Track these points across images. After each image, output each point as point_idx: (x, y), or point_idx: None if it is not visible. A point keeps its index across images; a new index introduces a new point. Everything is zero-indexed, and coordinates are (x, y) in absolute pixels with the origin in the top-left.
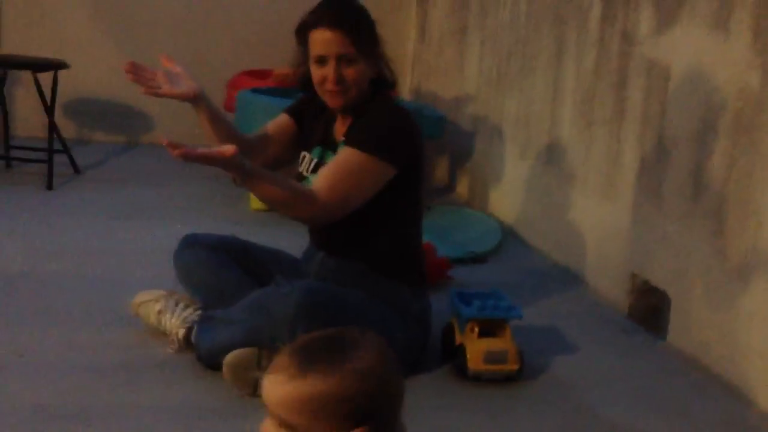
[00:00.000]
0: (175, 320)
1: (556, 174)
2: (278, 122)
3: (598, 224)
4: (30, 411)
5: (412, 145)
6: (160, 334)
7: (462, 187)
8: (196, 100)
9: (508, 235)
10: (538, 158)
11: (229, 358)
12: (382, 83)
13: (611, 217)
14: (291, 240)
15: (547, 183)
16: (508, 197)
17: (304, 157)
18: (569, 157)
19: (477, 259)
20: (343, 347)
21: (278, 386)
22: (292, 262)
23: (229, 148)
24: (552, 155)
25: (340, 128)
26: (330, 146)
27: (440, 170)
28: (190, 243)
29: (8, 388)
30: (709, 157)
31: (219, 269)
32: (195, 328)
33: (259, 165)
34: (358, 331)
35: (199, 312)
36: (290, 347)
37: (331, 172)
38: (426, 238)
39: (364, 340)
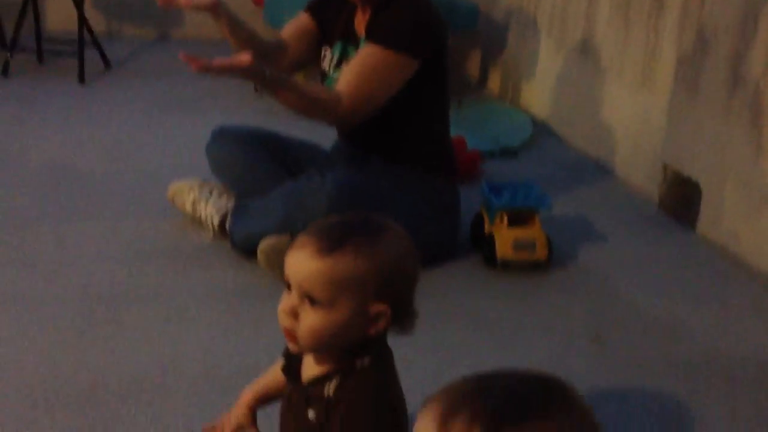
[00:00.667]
0: (210, 208)
1: (591, 67)
2: (298, 22)
3: (632, 117)
4: (79, 293)
5: (435, 37)
6: (195, 222)
7: (494, 82)
8: (215, 10)
9: (540, 130)
10: (573, 51)
11: (263, 245)
12: None
13: (646, 109)
14: (323, 133)
15: (581, 76)
16: (541, 91)
17: (326, 53)
18: (605, 49)
19: (508, 153)
20: (369, 229)
21: (305, 261)
22: (323, 154)
23: (245, 57)
24: (587, 48)
25: (360, 21)
26: (352, 40)
27: (472, 64)
28: (221, 135)
29: (56, 273)
30: (749, 48)
31: (250, 161)
32: (229, 216)
33: (284, 68)
34: (382, 218)
35: (233, 200)
36: (316, 226)
37: (353, 72)
38: (457, 132)
39: (390, 224)
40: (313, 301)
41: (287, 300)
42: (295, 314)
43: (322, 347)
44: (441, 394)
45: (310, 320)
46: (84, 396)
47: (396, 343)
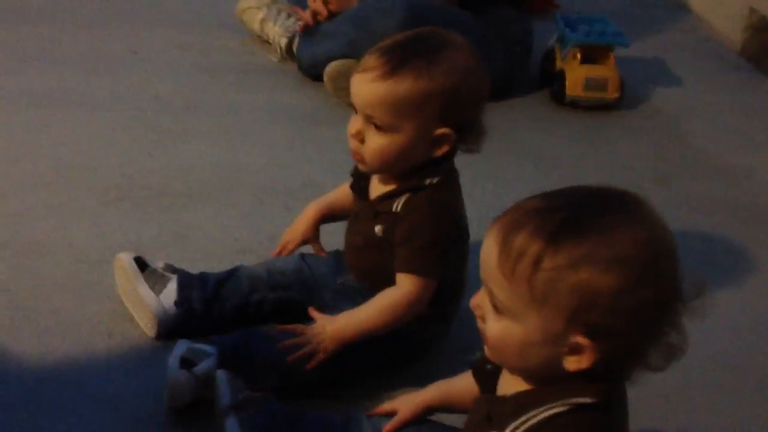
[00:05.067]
0: (278, 29)
1: None
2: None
3: None
4: (149, 101)
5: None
6: (263, 41)
7: None
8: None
9: None
10: None
11: (330, 68)
12: None
13: None
14: None
15: None
16: None
17: None
18: None
19: None
20: (433, 47)
21: (367, 84)
22: None
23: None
24: None
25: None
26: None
27: None
28: None
29: (128, 80)
30: None
31: None
32: (297, 38)
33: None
34: (447, 33)
35: (300, 22)
36: (380, 47)
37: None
38: None
39: (454, 41)
40: (376, 125)
41: (354, 122)
42: (361, 137)
43: (388, 168)
44: (506, 212)
45: (375, 143)
46: (153, 197)
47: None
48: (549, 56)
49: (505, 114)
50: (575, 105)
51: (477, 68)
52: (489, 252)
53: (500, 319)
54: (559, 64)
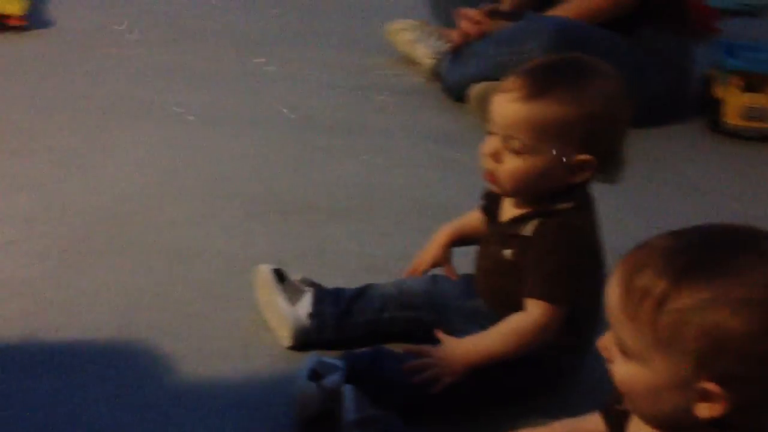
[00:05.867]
0: (426, 50)
1: None
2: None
3: None
4: (299, 118)
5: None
6: (411, 62)
7: None
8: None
9: None
10: None
11: (475, 89)
12: None
13: None
14: None
15: None
16: None
17: None
18: None
19: (749, 12)
20: (580, 72)
21: (510, 104)
22: None
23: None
24: None
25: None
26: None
27: None
28: None
29: (282, 98)
30: None
31: (470, 3)
32: (444, 58)
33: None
34: (595, 60)
35: (449, 44)
36: (525, 68)
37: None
38: None
39: (600, 67)
40: (515, 146)
41: (491, 143)
42: (497, 158)
43: (522, 192)
44: (633, 250)
45: (512, 165)
46: (296, 212)
47: (597, 200)
48: (707, 83)
49: (657, 141)
50: (734, 135)
51: (621, 96)
52: (613, 292)
53: (627, 363)
54: (718, 91)
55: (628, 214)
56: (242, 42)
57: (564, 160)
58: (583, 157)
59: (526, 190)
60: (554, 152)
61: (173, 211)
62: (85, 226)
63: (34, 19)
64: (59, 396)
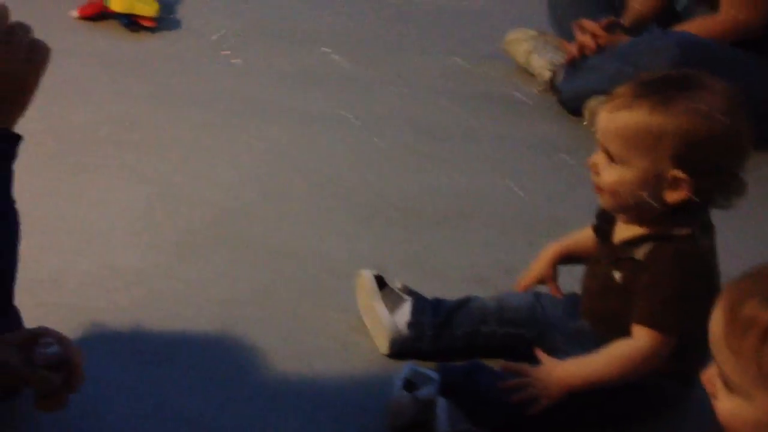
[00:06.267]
0: (542, 61)
1: None
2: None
3: None
4: (409, 125)
5: None
6: (527, 72)
7: None
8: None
9: None
10: None
11: (591, 103)
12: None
13: None
14: None
15: None
16: None
17: None
18: None
19: None
20: (681, 85)
21: (605, 114)
22: None
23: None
24: None
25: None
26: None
27: None
28: None
29: (391, 104)
30: None
31: (594, 12)
32: (561, 71)
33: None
34: (709, 76)
35: (566, 56)
36: (634, 80)
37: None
38: None
39: (708, 83)
40: (610, 157)
41: (595, 154)
42: (596, 169)
43: (622, 205)
44: (740, 278)
45: (607, 175)
46: (401, 218)
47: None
48: None
49: None
50: None
51: (731, 115)
52: (716, 322)
53: (731, 398)
54: None
55: (748, 242)
56: (355, 46)
57: (656, 173)
58: (675, 173)
59: (626, 204)
60: (645, 164)
61: (282, 211)
62: (199, 220)
63: (164, 21)
64: (160, 385)
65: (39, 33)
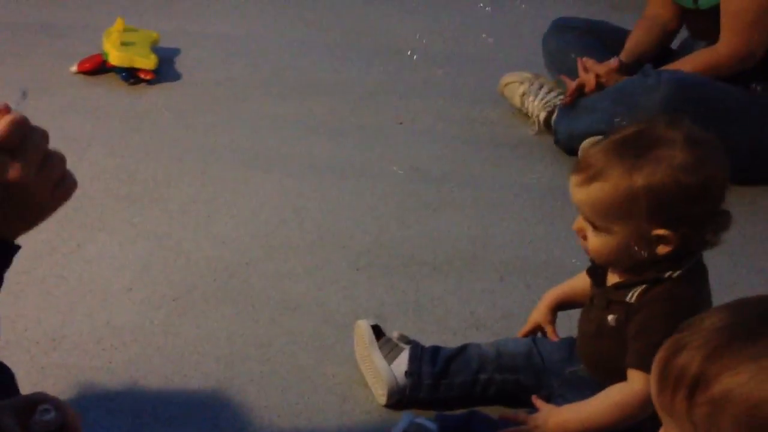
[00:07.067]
0: (538, 103)
1: None
2: None
3: None
4: (408, 170)
5: None
6: (522, 115)
7: None
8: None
9: None
10: None
11: (586, 143)
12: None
13: None
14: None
15: None
16: None
17: None
18: None
19: None
20: (641, 147)
21: (575, 188)
22: None
23: None
24: None
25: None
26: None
27: None
28: (561, 27)
29: (391, 149)
30: None
31: (587, 54)
32: (556, 112)
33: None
34: (661, 129)
35: (561, 96)
36: (590, 148)
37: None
38: None
39: (667, 137)
40: (594, 226)
41: (577, 220)
42: (582, 233)
43: (613, 265)
44: (674, 334)
45: (593, 243)
46: (400, 265)
47: (711, 262)
48: None
49: None
50: None
51: (697, 163)
52: (651, 382)
53: None
54: None
55: (744, 276)
56: (354, 94)
57: (639, 235)
58: (659, 231)
59: (617, 264)
60: (628, 230)
61: (281, 262)
62: (196, 275)
63: (162, 73)
64: None
65: (39, 88)
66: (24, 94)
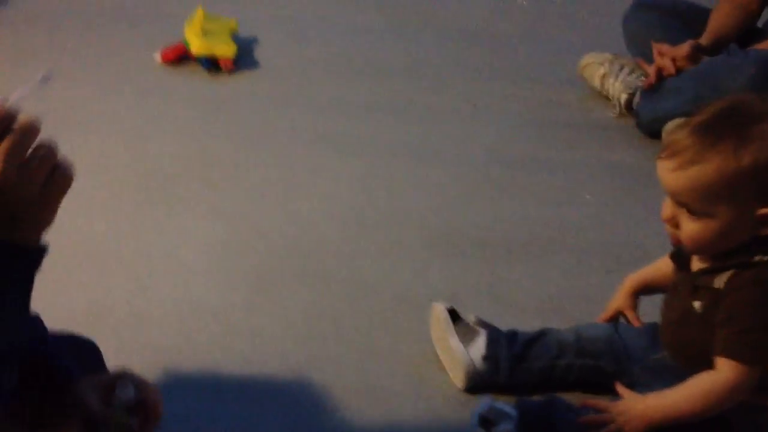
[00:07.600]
0: (619, 84)
1: None
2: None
3: None
4: (482, 153)
5: None
6: (602, 97)
7: None
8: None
9: None
10: None
11: (670, 126)
12: None
13: None
14: None
15: None
16: None
17: None
18: None
19: None
20: (744, 122)
21: (671, 174)
22: None
23: None
24: None
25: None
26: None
27: None
28: (643, 6)
29: (464, 132)
30: None
31: (668, 35)
32: (637, 93)
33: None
34: (761, 102)
35: (642, 78)
36: (685, 127)
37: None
38: None
39: (763, 111)
40: (691, 211)
41: (667, 207)
42: (674, 222)
43: (708, 252)
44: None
45: (690, 229)
46: (475, 248)
47: None
48: None
49: None
50: None
51: None
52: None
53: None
54: None
55: None
56: (426, 76)
57: (744, 216)
58: (764, 210)
59: (714, 251)
60: (731, 212)
61: (357, 243)
62: (274, 256)
63: (242, 61)
64: (239, 423)
65: (124, 74)
66: (45, 78)
